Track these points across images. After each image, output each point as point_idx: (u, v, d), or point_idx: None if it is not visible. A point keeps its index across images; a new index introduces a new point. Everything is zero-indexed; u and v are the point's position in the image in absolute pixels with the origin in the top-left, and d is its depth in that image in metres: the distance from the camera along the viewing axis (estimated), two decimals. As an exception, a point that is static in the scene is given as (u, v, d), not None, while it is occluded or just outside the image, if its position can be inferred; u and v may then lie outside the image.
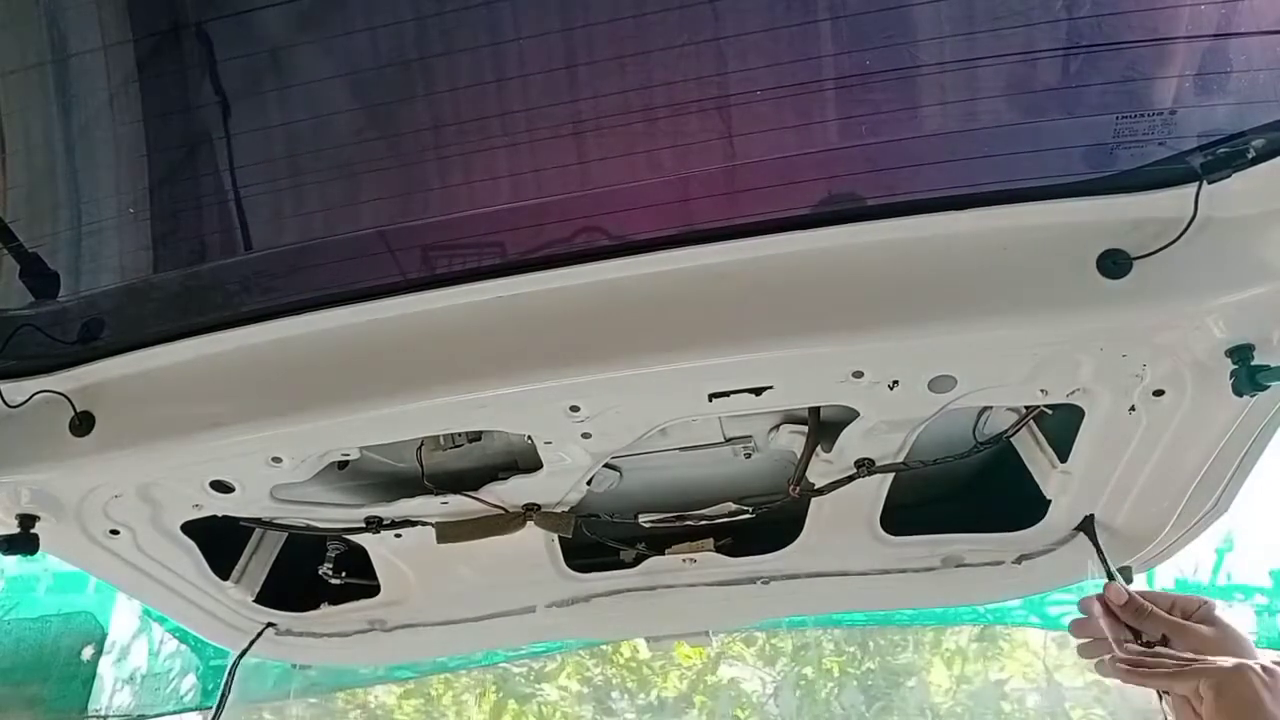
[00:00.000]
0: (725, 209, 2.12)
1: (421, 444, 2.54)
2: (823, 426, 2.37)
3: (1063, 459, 2.36)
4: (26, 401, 2.30)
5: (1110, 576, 2.42)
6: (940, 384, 2.09)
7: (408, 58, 2.14)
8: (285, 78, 2.19)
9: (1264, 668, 1.73)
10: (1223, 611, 1.96)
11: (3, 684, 5.66)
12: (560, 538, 2.72)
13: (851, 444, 2.33)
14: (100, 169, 2.27)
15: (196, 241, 2.34)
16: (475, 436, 2.53)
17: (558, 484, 2.49)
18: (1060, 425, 2.35)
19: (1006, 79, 1.96)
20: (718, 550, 2.75)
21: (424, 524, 2.66)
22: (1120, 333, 1.94)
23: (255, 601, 2.92)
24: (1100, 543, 2.47)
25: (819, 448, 2.39)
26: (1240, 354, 1.89)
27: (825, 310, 1.98)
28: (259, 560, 2.91)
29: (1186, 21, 1.88)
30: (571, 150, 2.14)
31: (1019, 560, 2.67)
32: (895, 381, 2.07)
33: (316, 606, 3.01)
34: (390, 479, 2.68)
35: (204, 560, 2.73)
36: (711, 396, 2.12)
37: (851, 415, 2.23)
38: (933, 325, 1.95)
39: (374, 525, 2.67)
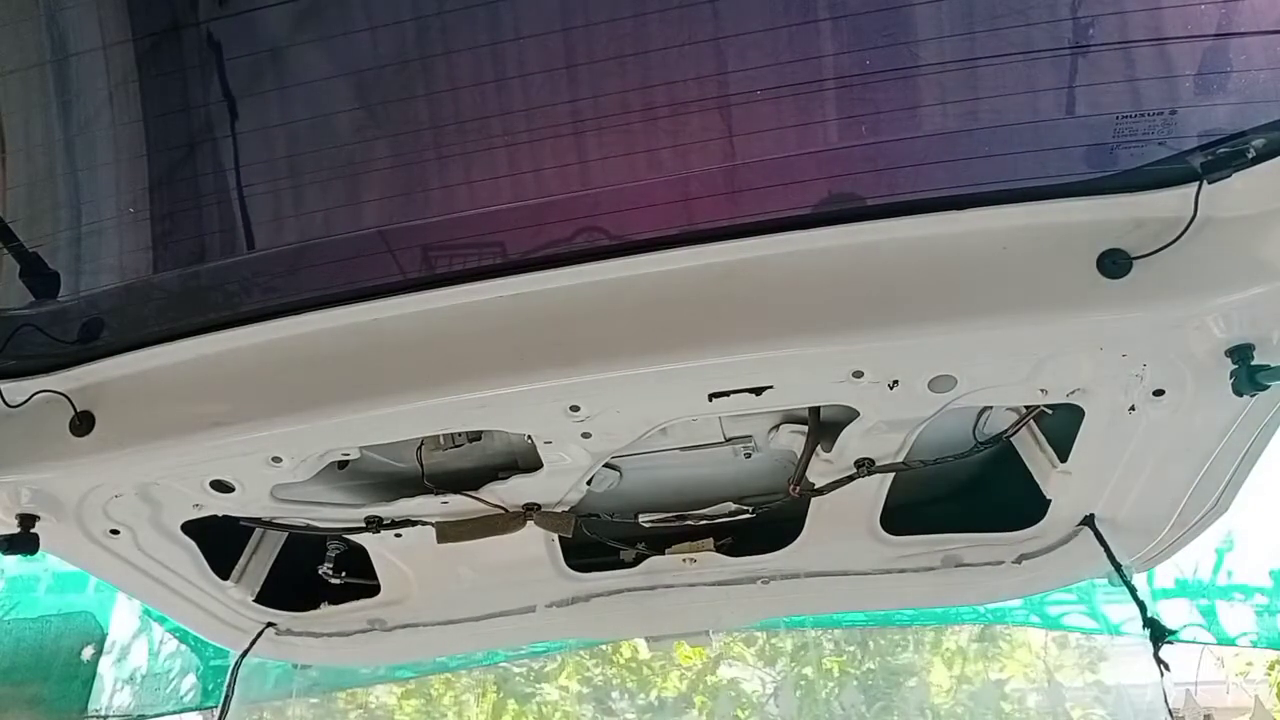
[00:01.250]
0: (725, 209, 2.12)
1: (421, 444, 2.54)
2: (823, 426, 2.37)
3: (1063, 459, 2.36)
4: (26, 401, 2.30)
5: (1118, 572, 2.42)
6: (940, 384, 2.09)
7: (408, 57, 2.14)
8: (285, 77, 2.19)
9: None
10: None
11: (3, 684, 5.66)
12: (560, 537, 2.72)
13: (851, 444, 2.33)
14: (100, 169, 2.27)
15: (196, 242, 2.34)
16: (475, 436, 2.53)
17: (558, 484, 2.49)
18: (1060, 425, 2.35)
19: (1007, 79, 1.96)
20: (718, 550, 2.75)
21: (424, 524, 2.66)
22: (1120, 332, 1.94)
23: (255, 601, 2.92)
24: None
25: (819, 448, 2.39)
26: (1240, 354, 1.89)
27: (825, 310, 1.98)
28: (259, 560, 2.92)
29: (1186, 21, 1.88)
30: (571, 150, 2.14)
31: (1019, 560, 2.67)
32: (895, 381, 2.07)
33: (316, 606, 3.01)
34: (390, 479, 2.68)
35: (204, 560, 2.73)
36: (711, 396, 2.12)
37: (851, 415, 2.23)
38: (933, 325, 1.95)
39: (374, 525, 2.67)
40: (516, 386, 2.07)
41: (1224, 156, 1.83)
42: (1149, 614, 2.34)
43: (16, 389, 2.31)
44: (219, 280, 2.33)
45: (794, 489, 2.46)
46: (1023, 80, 1.96)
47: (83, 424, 2.26)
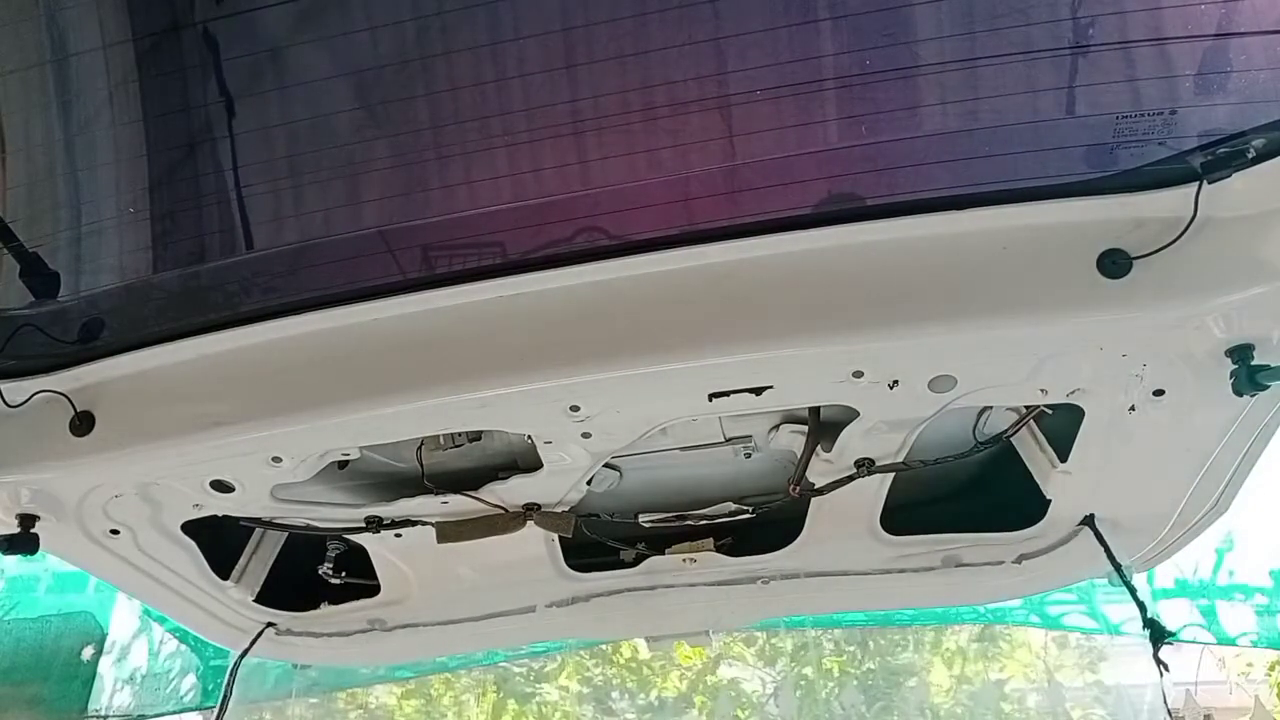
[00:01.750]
0: (725, 208, 2.12)
1: (421, 444, 2.54)
2: (823, 426, 2.37)
3: (1063, 459, 2.36)
4: (26, 401, 2.30)
5: (1118, 572, 2.42)
6: (940, 384, 2.09)
7: (408, 57, 2.14)
8: (285, 77, 2.19)
9: None
10: None
11: (3, 684, 5.66)
12: (560, 537, 2.72)
13: (851, 444, 2.33)
14: (100, 169, 2.27)
15: (196, 242, 2.34)
16: (475, 436, 2.53)
17: (558, 484, 2.49)
18: (1060, 425, 2.35)
19: (1007, 79, 1.96)
20: (718, 550, 2.75)
21: (424, 524, 2.66)
22: (1120, 332, 1.94)
23: (255, 601, 2.92)
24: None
25: (819, 447, 2.39)
26: (1240, 354, 1.89)
27: (825, 310, 1.98)
28: (259, 560, 2.92)
29: (1186, 21, 1.88)
30: (571, 150, 2.14)
31: (1019, 560, 2.67)
32: (895, 381, 2.07)
33: (316, 606, 3.01)
34: (390, 479, 2.68)
35: (204, 560, 2.73)
36: (711, 396, 2.12)
37: (851, 415, 2.23)
38: (933, 325, 1.95)
39: (374, 525, 2.67)
40: (516, 386, 2.07)
41: (1224, 156, 1.83)
42: (1149, 614, 2.34)
43: (16, 389, 2.31)
44: (219, 280, 2.33)
45: (794, 489, 2.46)
46: (1023, 80, 1.96)
47: (83, 424, 2.26)
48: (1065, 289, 1.91)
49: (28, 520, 2.35)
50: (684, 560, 2.79)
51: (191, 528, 2.61)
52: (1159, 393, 2.06)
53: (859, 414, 2.21)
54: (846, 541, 2.68)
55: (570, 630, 3.24)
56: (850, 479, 2.43)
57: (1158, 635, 2.25)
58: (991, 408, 2.44)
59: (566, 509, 2.61)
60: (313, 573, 2.94)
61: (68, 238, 2.30)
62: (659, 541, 2.81)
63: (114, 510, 2.45)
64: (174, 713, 5.96)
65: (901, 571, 2.75)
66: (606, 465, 2.50)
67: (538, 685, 7.98)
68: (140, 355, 2.27)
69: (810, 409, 2.36)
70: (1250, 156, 1.80)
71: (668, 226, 2.11)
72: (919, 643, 7.63)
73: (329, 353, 2.19)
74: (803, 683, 7.65)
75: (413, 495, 2.58)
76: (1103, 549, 2.48)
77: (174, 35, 2.20)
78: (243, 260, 2.32)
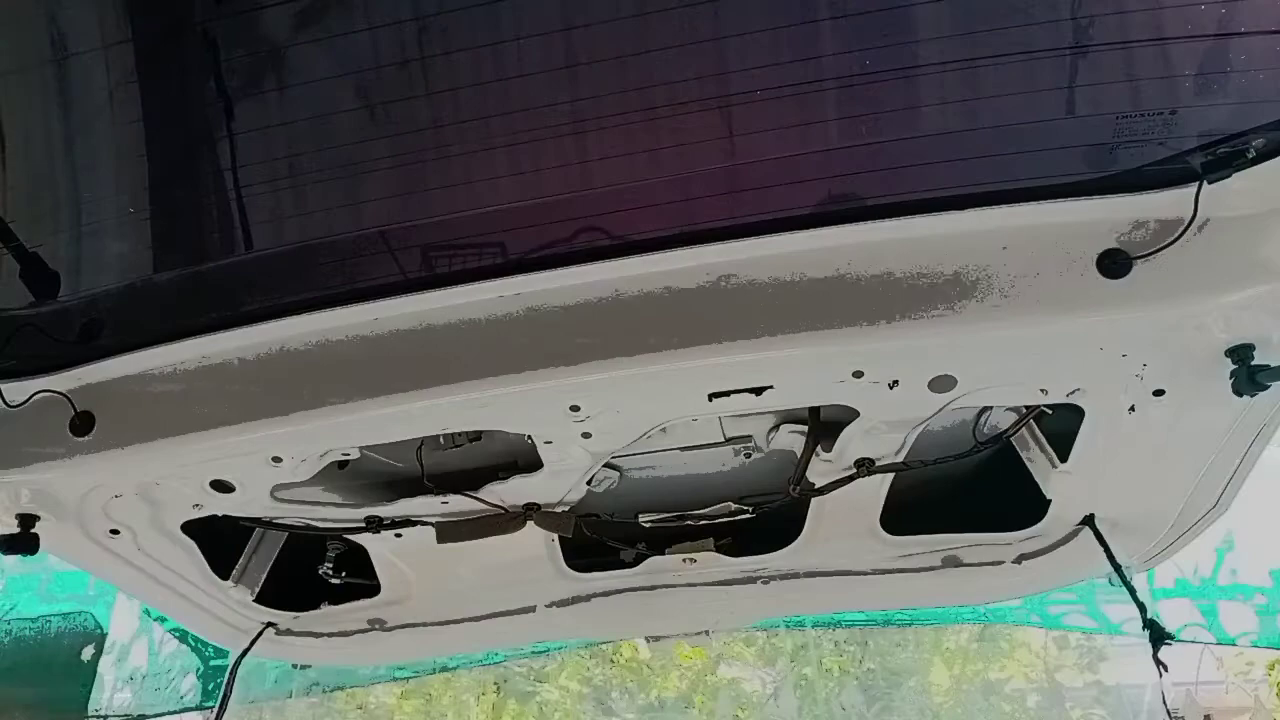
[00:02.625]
0: (725, 209, 2.12)
1: (421, 444, 2.54)
2: (823, 426, 2.37)
3: (1063, 459, 2.36)
4: (27, 401, 2.30)
5: (1118, 572, 2.42)
6: (940, 384, 2.09)
7: (408, 57, 2.14)
8: (285, 77, 2.19)
9: None
10: None
11: (3, 684, 5.67)
12: (560, 537, 2.72)
13: (851, 444, 2.33)
14: (100, 169, 2.27)
15: (195, 241, 2.34)
16: (475, 436, 2.53)
17: (558, 483, 2.49)
18: (1060, 425, 2.35)
19: (1006, 79, 1.96)
20: (718, 550, 2.75)
21: (424, 524, 2.66)
22: (1120, 332, 1.95)
23: (255, 601, 2.92)
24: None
25: (819, 447, 2.39)
26: (1240, 354, 1.89)
27: (825, 310, 1.98)
28: (259, 560, 2.92)
29: (1186, 21, 1.88)
30: (571, 150, 2.14)
31: (1019, 560, 2.67)
32: (895, 381, 2.07)
33: (316, 606, 3.01)
34: (390, 479, 2.68)
35: (204, 560, 2.73)
36: (712, 396, 2.12)
37: (851, 415, 2.24)
38: (933, 325, 1.95)
39: (374, 525, 2.67)
40: (516, 386, 2.07)
41: (1224, 156, 1.83)
42: (1149, 614, 2.34)
43: (16, 389, 2.31)
44: (219, 280, 2.32)
45: (794, 489, 2.46)
46: (1023, 80, 1.96)
47: (83, 424, 2.26)
48: (1065, 289, 1.91)
49: (28, 520, 2.36)
50: (684, 560, 2.79)
51: (191, 528, 2.61)
52: (1159, 393, 2.06)
53: (859, 414, 2.21)
54: (846, 541, 2.68)
55: (570, 630, 3.24)
56: (850, 479, 2.43)
57: (1158, 635, 2.26)
58: (991, 408, 2.44)
59: (566, 509, 2.61)
60: (313, 573, 2.94)
61: (68, 238, 2.30)
62: (659, 541, 2.81)
63: (114, 510, 2.45)
64: (174, 713, 5.96)
65: (901, 571, 2.75)
66: (606, 465, 2.50)
67: (538, 685, 7.99)
68: (140, 355, 2.27)
69: (810, 409, 2.36)
70: (1250, 156, 1.80)
71: (668, 226, 2.11)
72: (919, 643, 7.63)
73: (329, 353, 2.19)
74: (803, 683, 7.65)
75: (413, 495, 2.58)
76: (1103, 549, 2.48)
77: (174, 35, 2.20)
78: (243, 260, 2.32)
